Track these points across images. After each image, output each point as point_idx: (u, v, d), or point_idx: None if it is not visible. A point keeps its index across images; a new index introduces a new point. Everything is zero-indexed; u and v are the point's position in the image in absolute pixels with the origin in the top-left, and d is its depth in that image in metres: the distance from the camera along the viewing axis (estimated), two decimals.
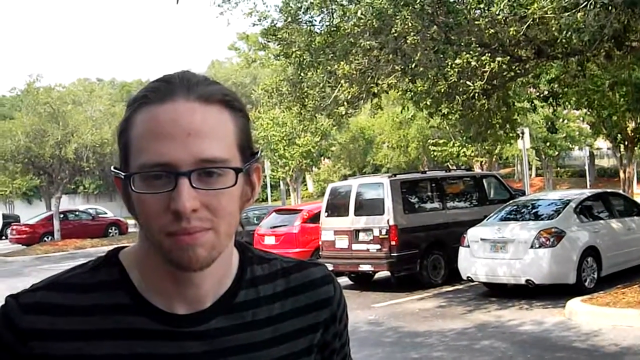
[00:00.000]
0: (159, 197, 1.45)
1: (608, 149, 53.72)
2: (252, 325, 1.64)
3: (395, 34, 13.61)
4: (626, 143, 26.94)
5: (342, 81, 15.16)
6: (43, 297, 1.57)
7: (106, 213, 51.78)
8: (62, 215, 41.85)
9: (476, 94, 13.81)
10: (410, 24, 13.35)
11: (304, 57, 15.77)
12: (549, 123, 38.33)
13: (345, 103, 16.00)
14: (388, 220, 17.23)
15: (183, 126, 1.45)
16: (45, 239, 41.17)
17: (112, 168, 1.56)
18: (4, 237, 49.19)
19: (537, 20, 12.76)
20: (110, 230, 44.80)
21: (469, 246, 16.11)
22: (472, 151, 40.68)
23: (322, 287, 1.76)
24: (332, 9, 15.23)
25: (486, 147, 37.21)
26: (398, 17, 13.32)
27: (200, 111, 1.47)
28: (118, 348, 1.55)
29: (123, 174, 1.50)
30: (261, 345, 1.64)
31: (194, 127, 1.45)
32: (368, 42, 14.23)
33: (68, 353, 1.54)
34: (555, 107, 18.67)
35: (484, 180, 20.73)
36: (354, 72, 14.76)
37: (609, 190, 19.88)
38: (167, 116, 1.46)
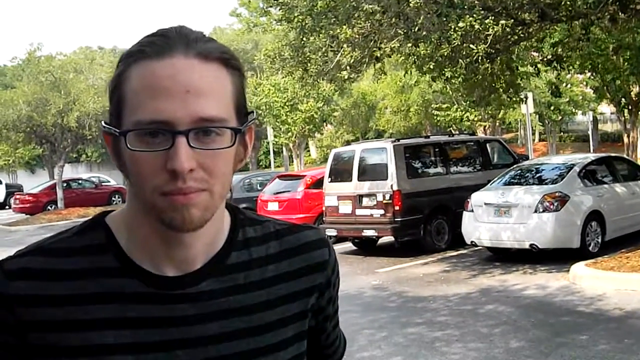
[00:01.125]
0: (155, 156, 1.41)
1: (612, 113, 53.69)
2: (244, 288, 1.60)
3: None
4: (630, 107, 26.92)
5: (345, 45, 15.09)
6: (28, 263, 1.54)
7: (109, 181, 51.76)
8: (65, 184, 41.89)
9: (479, 58, 13.74)
10: None
11: (306, 22, 15.69)
12: (553, 87, 38.17)
13: (347, 67, 15.93)
14: (391, 186, 17.20)
15: (182, 83, 1.41)
16: (49, 208, 41.23)
17: (102, 123, 1.52)
18: (7, 207, 49.34)
19: None
20: (113, 199, 44.84)
21: (472, 211, 16.09)
22: (476, 116, 40.59)
23: (316, 250, 1.72)
24: None
25: (489, 112, 37.14)
26: None
27: (199, 68, 1.43)
28: (107, 312, 1.52)
29: (117, 130, 1.46)
30: (254, 308, 1.60)
31: (193, 84, 1.41)
32: (370, 6, 14.14)
33: (56, 318, 1.51)
34: (559, 71, 18.57)
35: (487, 145, 20.67)
36: (357, 37, 14.69)
37: (613, 155, 19.81)
38: (165, 72, 1.41)
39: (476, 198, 16.19)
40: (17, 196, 44.03)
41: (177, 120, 1.40)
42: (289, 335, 1.65)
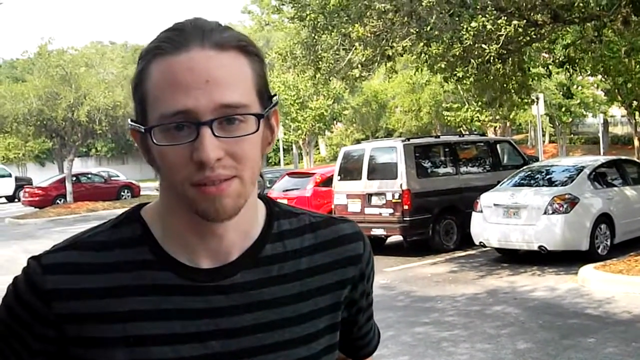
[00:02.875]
0: (182, 148, 1.43)
1: (622, 116, 53.54)
2: (278, 280, 1.62)
3: None
4: None
5: (357, 44, 15.10)
6: (65, 257, 1.57)
7: (118, 176, 51.84)
8: (74, 178, 41.91)
9: (491, 58, 13.74)
10: None
11: (318, 20, 15.71)
12: (565, 88, 38.10)
13: (359, 66, 15.92)
14: (401, 185, 17.20)
15: (200, 74, 1.43)
16: (58, 201, 41.26)
17: (129, 121, 1.55)
18: (16, 200, 49.37)
19: None
20: (122, 193, 44.86)
21: (482, 211, 16.08)
22: (486, 116, 40.52)
23: (351, 243, 1.73)
24: None
25: (501, 113, 37.07)
26: None
27: (216, 58, 1.45)
28: (143, 304, 1.54)
29: (142, 127, 1.48)
30: (288, 300, 1.62)
31: (212, 74, 1.43)
32: (383, 5, 14.15)
33: (93, 311, 1.53)
34: (571, 73, 18.53)
35: (497, 146, 20.65)
36: (369, 35, 14.70)
37: (623, 158, 19.76)
38: (183, 65, 1.43)
39: (485, 199, 16.17)
40: (27, 189, 44.05)
41: (199, 110, 1.42)
42: (321, 327, 1.66)
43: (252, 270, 1.59)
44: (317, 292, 1.66)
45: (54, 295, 1.52)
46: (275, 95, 1.58)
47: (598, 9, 12.97)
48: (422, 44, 14.69)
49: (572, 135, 64.93)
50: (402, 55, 16.72)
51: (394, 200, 17.30)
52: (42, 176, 52.16)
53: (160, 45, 1.47)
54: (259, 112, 1.48)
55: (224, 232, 1.55)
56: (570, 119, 54.61)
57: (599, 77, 27.92)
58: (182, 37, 1.46)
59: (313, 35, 16.17)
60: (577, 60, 17.48)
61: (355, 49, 15.14)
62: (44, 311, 1.53)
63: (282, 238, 1.65)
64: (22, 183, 52.34)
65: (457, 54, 13.71)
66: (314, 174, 22.36)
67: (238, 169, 1.45)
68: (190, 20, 1.51)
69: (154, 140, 1.45)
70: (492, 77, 16.30)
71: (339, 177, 18.97)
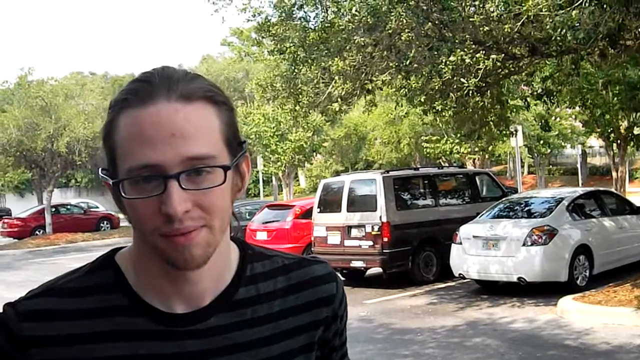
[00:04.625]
0: (150, 201, 1.44)
1: (600, 147, 53.82)
2: (252, 323, 1.63)
3: (390, 31, 13.60)
4: (619, 142, 26.96)
5: (336, 77, 15.15)
6: (40, 304, 1.56)
7: (98, 207, 51.70)
8: (53, 209, 41.80)
9: (470, 91, 13.80)
10: (404, 21, 13.34)
11: (298, 53, 15.77)
12: (543, 121, 38.30)
13: (339, 99, 15.96)
14: (380, 217, 17.24)
15: (166, 128, 1.44)
16: (37, 232, 41.10)
17: (100, 171, 1.55)
18: None
19: (532, 17, 12.75)
20: (102, 225, 44.73)
21: (461, 243, 16.12)
22: (465, 148, 40.68)
23: (324, 284, 1.75)
24: (326, 4, 15.26)
25: (480, 145, 37.21)
26: (392, 14, 13.32)
27: (183, 111, 1.45)
28: (118, 350, 1.55)
29: (112, 180, 1.49)
30: (261, 342, 1.63)
31: (178, 127, 1.44)
32: (362, 39, 14.22)
33: (68, 357, 1.54)
34: (549, 106, 18.66)
35: (476, 178, 20.75)
36: (348, 69, 14.75)
37: (601, 189, 19.89)
38: (150, 119, 1.44)
39: (465, 230, 16.22)
40: (5, 220, 43.86)
41: (166, 164, 1.43)
42: None
43: (226, 313, 1.61)
44: (291, 334, 1.67)
45: (30, 342, 1.52)
46: (244, 142, 1.59)
47: (575, 42, 13.07)
48: (401, 77, 14.79)
49: (550, 166, 65.27)
50: (381, 89, 16.81)
51: (373, 233, 17.32)
52: (21, 207, 51.97)
53: (126, 99, 1.48)
54: (226, 164, 1.49)
55: (197, 278, 1.56)
56: (549, 150, 54.85)
57: (577, 108, 28.05)
58: (148, 89, 1.47)
59: (293, 68, 16.22)
60: (555, 93, 17.62)
61: (335, 82, 15.19)
62: (20, 358, 1.53)
63: (255, 281, 1.67)
64: (1, 214, 52.17)
65: (436, 87, 13.78)
66: (293, 206, 22.36)
67: (207, 219, 1.47)
68: (158, 70, 1.52)
69: (123, 194, 1.46)
70: (471, 110, 16.39)
71: (318, 209, 18.98)
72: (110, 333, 1.55)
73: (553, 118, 45.71)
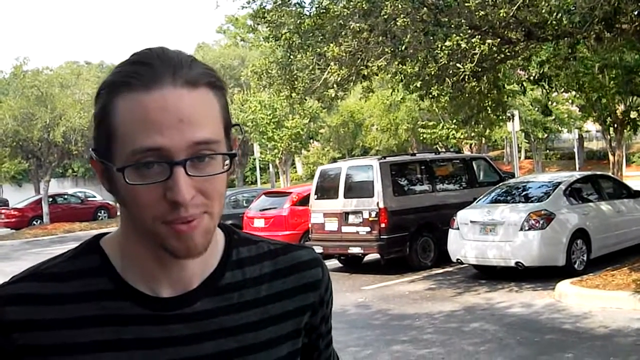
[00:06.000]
0: (154, 187, 1.43)
1: (597, 131, 53.75)
2: (238, 307, 1.62)
3: (385, 16, 13.56)
4: (615, 126, 26.92)
5: (332, 63, 15.11)
6: (24, 288, 1.55)
7: (95, 196, 51.67)
8: (51, 199, 41.83)
9: (466, 76, 13.78)
10: (399, 6, 13.30)
11: (294, 40, 15.72)
12: (542, 105, 38.29)
13: (334, 85, 15.94)
14: (378, 203, 17.23)
15: (174, 113, 1.42)
16: (34, 222, 41.16)
17: (91, 151, 1.53)
18: None
19: (527, 1, 12.74)
20: (99, 214, 44.80)
21: (458, 228, 16.13)
22: (462, 134, 40.66)
23: (310, 270, 1.74)
24: None
25: (476, 130, 37.18)
26: None
27: (189, 97, 1.44)
28: (104, 334, 1.53)
29: (115, 167, 1.46)
30: (248, 327, 1.62)
31: (185, 113, 1.42)
32: (358, 24, 14.17)
33: (53, 342, 1.52)
34: (547, 90, 18.63)
35: (473, 163, 20.72)
36: (344, 55, 14.72)
37: (598, 173, 19.88)
38: (156, 104, 1.42)
39: (462, 216, 16.23)
40: (3, 211, 43.89)
41: (173, 149, 1.41)
42: (282, 354, 1.67)
43: (212, 298, 1.60)
44: (278, 319, 1.66)
45: (13, 326, 1.51)
46: (237, 124, 1.58)
47: (571, 26, 13.05)
48: (397, 62, 14.74)
49: (547, 151, 65.24)
50: (377, 75, 16.77)
51: (370, 219, 17.32)
52: (19, 197, 51.97)
53: (128, 81, 1.44)
54: (230, 152, 1.50)
55: (187, 263, 1.55)
56: (546, 135, 54.84)
57: (574, 93, 27.99)
58: (151, 73, 1.44)
59: (288, 54, 16.18)
60: (551, 77, 17.57)
61: (331, 68, 15.15)
62: (3, 343, 1.51)
63: (241, 266, 1.66)
64: None
65: (432, 72, 13.75)
66: (290, 193, 22.38)
67: (208, 205, 1.46)
68: (157, 52, 1.49)
69: (127, 180, 1.43)
70: (467, 95, 16.37)
71: (315, 196, 18.97)
72: (95, 317, 1.53)
73: (550, 102, 45.67)
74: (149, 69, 1.45)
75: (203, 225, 1.46)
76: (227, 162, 1.50)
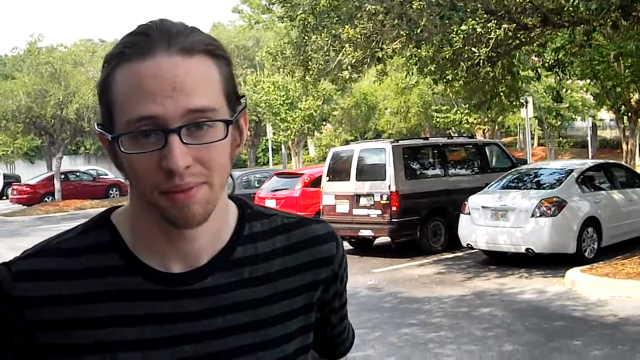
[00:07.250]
0: (150, 156, 1.42)
1: (611, 120, 53.65)
2: (249, 282, 1.61)
3: None
4: (629, 114, 26.84)
5: (347, 45, 15.07)
6: (34, 264, 1.55)
7: (107, 174, 51.73)
8: (63, 176, 41.88)
9: (481, 61, 13.74)
10: None
11: (309, 20, 15.67)
12: (555, 92, 38.20)
13: (349, 67, 15.90)
14: (389, 186, 17.22)
15: (167, 80, 1.41)
16: (46, 199, 41.24)
17: (95, 125, 1.53)
18: (4, 197, 49.26)
19: None
20: (111, 192, 44.84)
21: (469, 213, 16.11)
22: (475, 119, 40.57)
23: (324, 244, 1.73)
24: None
25: (489, 116, 37.09)
26: None
27: (183, 64, 1.43)
28: (114, 310, 1.53)
29: (110, 135, 1.47)
30: (260, 302, 1.61)
31: (178, 80, 1.42)
32: (373, 6, 14.14)
33: (64, 317, 1.52)
34: (561, 77, 18.55)
35: (486, 148, 20.69)
36: (359, 37, 14.68)
37: (611, 161, 19.82)
38: (150, 72, 1.42)
39: (473, 201, 16.20)
40: (15, 187, 43.99)
41: (167, 117, 1.40)
42: (294, 329, 1.66)
43: (224, 273, 1.59)
44: (290, 294, 1.65)
45: (24, 302, 1.51)
46: (243, 96, 1.57)
47: (587, 13, 12.99)
48: (412, 46, 14.70)
49: (560, 139, 65.03)
50: (392, 58, 16.72)
51: (382, 202, 17.31)
52: (31, 174, 52.05)
53: (124, 51, 1.45)
54: (228, 118, 1.48)
55: (194, 236, 1.54)
56: (559, 122, 54.67)
57: (588, 81, 27.90)
58: (147, 42, 1.44)
59: (303, 35, 16.13)
60: (566, 64, 17.50)
61: (345, 50, 15.12)
62: (13, 318, 1.51)
63: (254, 240, 1.65)
64: (10, 180, 52.34)
65: (447, 56, 13.72)
66: (302, 174, 22.38)
67: (207, 175, 1.45)
68: (155, 23, 1.48)
69: (122, 148, 1.43)
70: (481, 80, 16.31)
71: (327, 178, 18.97)
72: (106, 293, 1.53)
73: (564, 90, 45.52)
74: (145, 37, 1.45)
75: (202, 195, 1.45)
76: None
